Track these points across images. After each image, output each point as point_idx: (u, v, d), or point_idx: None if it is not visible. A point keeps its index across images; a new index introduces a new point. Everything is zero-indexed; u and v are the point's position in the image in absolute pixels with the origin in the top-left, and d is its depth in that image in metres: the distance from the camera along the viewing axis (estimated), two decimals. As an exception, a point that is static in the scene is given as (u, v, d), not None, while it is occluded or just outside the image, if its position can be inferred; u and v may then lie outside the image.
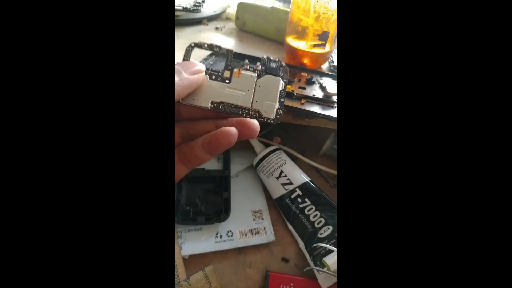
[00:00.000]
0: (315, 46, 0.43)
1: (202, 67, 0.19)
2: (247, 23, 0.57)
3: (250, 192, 0.37)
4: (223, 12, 0.66)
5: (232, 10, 0.66)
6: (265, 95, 0.19)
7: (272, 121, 0.20)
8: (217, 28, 0.60)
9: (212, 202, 0.34)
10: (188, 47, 0.20)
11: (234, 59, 0.20)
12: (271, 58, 0.20)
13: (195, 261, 0.31)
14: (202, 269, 0.30)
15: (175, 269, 0.29)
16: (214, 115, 0.20)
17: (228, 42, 0.59)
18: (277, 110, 0.20)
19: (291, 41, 0.45)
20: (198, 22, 0.61)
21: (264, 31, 0.56)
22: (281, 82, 0.20)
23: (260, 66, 0.20)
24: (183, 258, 0.30)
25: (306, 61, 0.45)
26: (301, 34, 0.43)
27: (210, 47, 0.20)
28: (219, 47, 0.20)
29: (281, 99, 0.20)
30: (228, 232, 0.33)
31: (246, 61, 0.20)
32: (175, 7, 0.59)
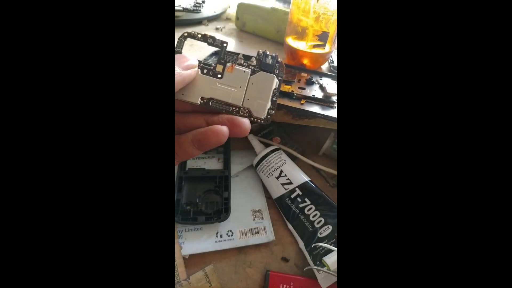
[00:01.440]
0: (315, 46, 0.43)
1: (195, 61, 0.18)
2: (247, 24, 0.58)
3: (250, 192, 0.37)
4: (223, 12, 0.67)
5: (232, 11, 0.66)
6: (257, 93, 0.19)
7: (262, 121, 0.19)
8: (217, 29, 0.61)
9: (212, 201, 0.35)
10: (181, 37, 0.19)
11: (228, 53, 0.19)
12: (267, 53, 0.19)
13: (195, 261, 0.31)
14: (202, 269, 0.30)
15: (175, 269, 0.29)
16: (204, 109, 0.19)
17: (228, 43, 0.59)
18: (268, 110, 0.19)
19: (291, 41, 0.45)
20: (198, 22, 0.61)
21: (264, 31, 0.56)
22: (275, 80, 0.19)
23: (254, 62, 0.19)
24: (183, 258, 0.30)
25: (306, 61, 0.45)
26: (301, 34, 0.43)
27: (204, 37, 0.19)
28: (213, 38, 0.19)
29: (274, 98, 0.19)
30: (228, 231, 0.33)
31: (241, 55, 0.19)
32: (175, 8, 0.59)
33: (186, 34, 0.19)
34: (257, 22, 0.56)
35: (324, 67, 0.49)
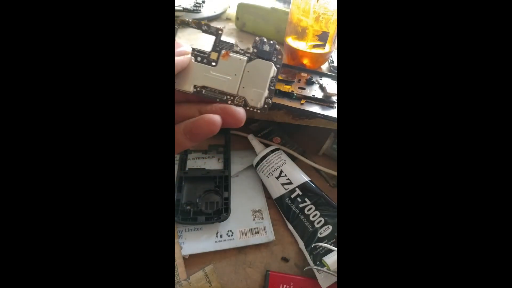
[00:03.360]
0: (315, 46, 0.43)
1: (188, 48, 0.17)
2: (247, 24, 0.58)
3: (250, 192, 0.37)
4: (223, 12, 0.67)
5: (232, 11, 0.66)
6: (253, 82, 0.18)
7: (258, 111, 0.18)
8: (217, 29, 0.61)
9: (212, 201, 0.35)
10: (175, 25, 0.18)
11: (223, 40, 0.18)
12: (265, 40, 0.18)
13: (195, 261, 0.31)
14: (202, 269, 0.30)
15: (175, 269, 0.29)
16: (197, 99, 0.18)
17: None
18: (265, 98, 0.18)
19: (291, 41, 0.45)
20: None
21: (264, 31, 0.56)
22: (273, 68, 0.18)
23: (251, 49, 0.18)
24: (183, 258, 0.30)
25: (306, 61, 0.45)
26: (301, 34, 0.43)
27: (198, 25, 0.18)
28: (208, 25, 0.18)
29: (272, 87, 0.18)
30: (228, 231, 0.33)
31: (236, 42, 0.18)
32: (175, 8, 0.59)
33: (179, 22, 0.18)
34: (257, 22, 0.56)
35: (324, 67, 0.49)
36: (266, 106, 0.18)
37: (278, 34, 0.53)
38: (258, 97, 0.18)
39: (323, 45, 0.43)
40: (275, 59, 0.18)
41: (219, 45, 0.18)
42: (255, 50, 0.18)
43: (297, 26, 0.43)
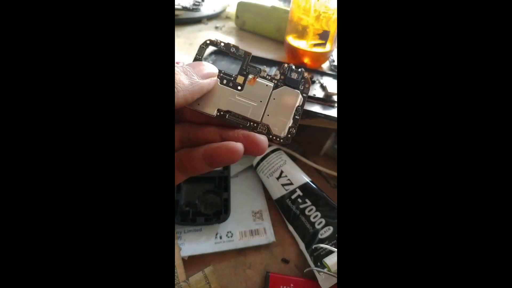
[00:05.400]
0: (315, 45, 0.42)
1: (215, 69, 0.17)
2: (247, 22, 0.57)
3: (250, 193, 0.37)
4: (223, 11, 0.66)
5: (232, 9, 0.66)
6: (278, 110, 0.17)
7: (281, 140, 0.18)
8: (216, 27, 0.60)
9: (211, 202, 0.34)
10: (203, 44, 0.18)
11: (251, 63, 0.18)
12: (293, 67, 0.18)
13: (195, 262, 0.30)
14: (201, 270, 0.30)
15: (175, 270, 0.29)
16: (220, 122, 0.18)
17: (228, 41, 0.59)
18: (289, 128, 0.18)
19: (292, 40, 0.44)
20: (197, 21, 0.61)
21: (264, 30, 0.56)
22: (300, 97, 0.18)
23: (278, 75, 0.18)
24: (183, 259, 0.30)
25: (306, 60, 0.44)
26: (301, 33, 0.42)
27: (227, 46, 0.18)
28: (236, 48, 0.18)
29: (297, 116, 0.18)
30: (227, 233, 0.33)
31: (265, 67, 0.18)
32: (175, 6, 0.59)
33: (208, 42, 0.18)
34: (257, 21, 0.56)
35: (325, 66, 0.48)
36: (289, 136, 0.18)
37: (278, 33, 0.53)
38: (282, 126, 0.18)
39: (323, 44, 0.42)
40: (302, 88, 0.18)
41: (246, 69, 0.18)
42: (282, 77, 0.18)
43: (298, 24, 0.42)
